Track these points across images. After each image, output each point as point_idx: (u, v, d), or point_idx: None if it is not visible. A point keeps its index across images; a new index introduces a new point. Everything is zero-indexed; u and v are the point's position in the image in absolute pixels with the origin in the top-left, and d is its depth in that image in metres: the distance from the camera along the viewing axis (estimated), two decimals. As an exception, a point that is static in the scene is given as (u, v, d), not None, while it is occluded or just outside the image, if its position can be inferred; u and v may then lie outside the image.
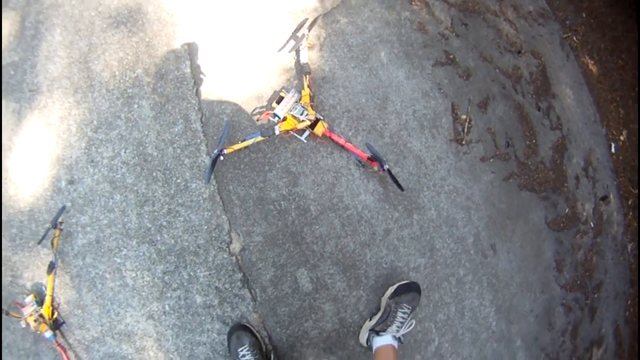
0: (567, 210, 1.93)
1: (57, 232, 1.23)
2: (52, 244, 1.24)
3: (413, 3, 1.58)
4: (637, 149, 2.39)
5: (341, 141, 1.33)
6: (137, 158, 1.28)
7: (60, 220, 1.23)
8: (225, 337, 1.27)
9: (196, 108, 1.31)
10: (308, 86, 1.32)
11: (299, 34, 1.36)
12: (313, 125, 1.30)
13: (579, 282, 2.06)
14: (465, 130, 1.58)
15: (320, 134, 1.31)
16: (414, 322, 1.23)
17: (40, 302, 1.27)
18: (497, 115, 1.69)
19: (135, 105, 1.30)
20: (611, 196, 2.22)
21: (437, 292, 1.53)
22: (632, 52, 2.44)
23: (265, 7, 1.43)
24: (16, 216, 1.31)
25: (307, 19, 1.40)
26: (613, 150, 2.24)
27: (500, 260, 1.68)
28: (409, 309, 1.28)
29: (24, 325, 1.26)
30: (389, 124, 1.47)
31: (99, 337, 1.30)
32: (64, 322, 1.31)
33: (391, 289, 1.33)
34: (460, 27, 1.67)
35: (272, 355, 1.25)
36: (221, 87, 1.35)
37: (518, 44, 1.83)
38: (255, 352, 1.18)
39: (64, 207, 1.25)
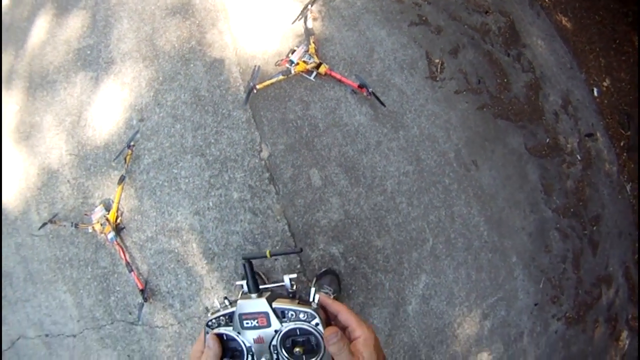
0: (547, 140, 2.24)
1: (129, 151, 1.79)
2: (125, 160, 1.79)
3: (391, -18, 2.13)
4: (626, 94, 2.63)
5: (338, 76, 1.85)
6: (193, 98, 1.88)
7: (132, 143, 1.80)
8: (254, 226, 1.75)
9: (235, 62, 1.91)
10: (313, 42, 1.88)
11: (306, 10, 1.94)
12: (318, 67, 1.83)
13: (572, 209, 2.29)
14: (439, 70, 2.03)
15: (323, 73, 1.84)
16: None
17: (107, 209, 1.78)
18: (467, 60, 2.13)
19: (192, 65, 1.92)
20: (598, 135, 2.46)
21: (427, 195, 1.91)
22: (609, 9, 2.75)
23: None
24: (92, 151, 1.90)
25: (309, 1, 1.99)
26: (595, 94, 2.52)
27: (483, 175, 2.03)
28: (330, 289, 1.63)
29: (90, 231, 1.77)
30: (375, 67, 1.97)
31: (153, 237, 1.82)
32: (124, 228, 1.80)
33: (314, 280, 1.70)
34: (431, -3, 2.17)
35: None
36: (252, 48, 1.95)
37: (485, 5, 2.28)
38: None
39: (137, 131, 1.83)
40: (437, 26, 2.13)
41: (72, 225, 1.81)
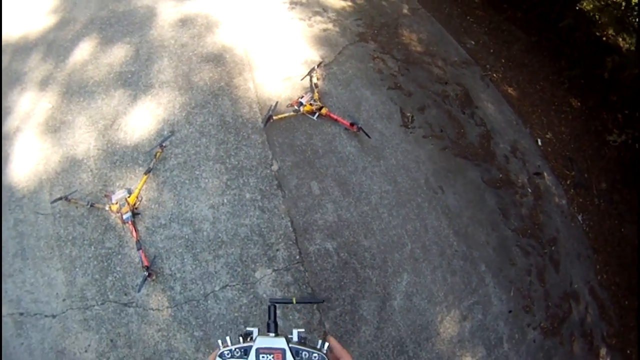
0: (500, 176, 2.85)
1: (160, 150, 2.31)
2: (155, 156, 2.29)
3: (374, 60, 3.02)
4: (567, 143, 3.32)
5: (335, 117, 2.56)
6: (219, 122, 2.53)
7: (164, 144, 2.32)
8: (262, 221, 2.25)
9: (255, 102, 2.63)
10: (317, 92, 2.65)
11: (312, 71, 2.76)
12: (320, 109, 2.56)
13: (529, 231, 2.79)
14: (410, 121, 2.76)
15: (324, 114, 2.56)
16: None
17: (130, 193, 2.16)
18: (431, 115, 2.88)
19: (220, 99, 2.63)
20: (545, 174, 3.09)
21: (403, 209, 2.45)
22: (548, 80, 3.63)
23: (293, 59, 2.89)
24: (121, 150, 2.37)
25: (315, 65, 2.83)
26: (539, 143, 3.22)
27: (449, 197, 2.59)
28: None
29: (107, 209, 2.11)
30: (362, 115, 2.70)
31: (166, 224, 2.20)
32: (139, 213, 2.16)
33: None
34: (404, 71, 3.03)
35: None
36: (269, 94, 2.68)
37: (445, 78, 3.14)
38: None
39: (172, 133, 2.40)
40: (409, 91, 2.93)
41: (88, 204, 2.07)
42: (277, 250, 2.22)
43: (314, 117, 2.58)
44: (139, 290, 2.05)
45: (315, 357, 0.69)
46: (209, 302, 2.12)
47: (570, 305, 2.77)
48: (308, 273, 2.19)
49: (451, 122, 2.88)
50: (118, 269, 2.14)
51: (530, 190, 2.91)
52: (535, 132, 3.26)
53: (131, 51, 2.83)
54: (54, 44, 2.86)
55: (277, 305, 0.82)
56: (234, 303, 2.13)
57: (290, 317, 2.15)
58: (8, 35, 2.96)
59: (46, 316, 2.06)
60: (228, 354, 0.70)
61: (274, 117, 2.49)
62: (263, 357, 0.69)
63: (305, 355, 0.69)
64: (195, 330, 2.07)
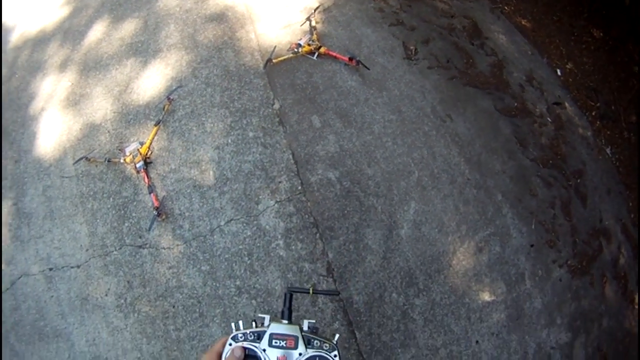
0: (515, 104, 2.62)
1: (168, 102, 2.33)
2: (164, 109, 2.32)
3: (374, 0, 2.86)
4: (591, 73, 3.00)
5: (334, 54, 2.45)
6: (223, 72, 2.49)
7: (172, 97, 2.34)
8: (264, 156, 2.19)
9: (257, 50, 2.57)
10: (316, 34, 2.54)
11: (311, 16, 2.66)
12: (319, 49, 2.46)
13: (551, 161, 2.55)
14: (413, 53, 2.59)
15: (323, 52, 2.45)
16: None
17: (141, 144, 2.19)
18: (437, 47, 2.69)
19: (224, 52, 2.59)
20: (566, 105, 2.81)
21: (409, 137, 2.30)
22: (565, 11, 3.29)
23: (293, 8, 2.80)
24: (135, 109, 2.41)
25: (314, 9, 2.72)
26: (559, 73, 2.94)
27: (458, 125, 2.41)
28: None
29: (122, 161, 2.16)
30: (363, 51, 2.56)
31: (175, 168, 2.22)
32: (151, 162, 2.20)
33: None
34: (406, 7, 2.86)
35: None
36: (270, 40, 2.62)
37: (451, 12, 2.92)
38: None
39: (179, 86, 2.43)
40: (411, 25, 2.76)
41: (105, 160, 2.16)
42: (280, 182, 2.15)
43: (314, 57, 2.48)
44: (149, 229, 2.09)
45: (326, 347, 0.70)
46: (215, 236, 2.11)
47: (601, 243, 2.51)
48: (310, 203, 2.11)
49: (459, 52, 2.68)
50: (134, 214, 2.19)
51: (550, 120, 2.66)
52: (554, 62, 2.97)
53: (140, 24, 2.89)
54: (70, 31, 3.00)
55: (293, 294, 0.83)
56: (238, 236, 2.10)
57: (293, 247, 2.07)
58: (27, 31, 3.13)
59: (72, 267, 2.15)
60: (241, 337, 0.72)
61: (274, 60, 2.42)
62: (276, 342, 0.71)
63: (316, 344, 0.71)
64: (203, 265, 2.07)
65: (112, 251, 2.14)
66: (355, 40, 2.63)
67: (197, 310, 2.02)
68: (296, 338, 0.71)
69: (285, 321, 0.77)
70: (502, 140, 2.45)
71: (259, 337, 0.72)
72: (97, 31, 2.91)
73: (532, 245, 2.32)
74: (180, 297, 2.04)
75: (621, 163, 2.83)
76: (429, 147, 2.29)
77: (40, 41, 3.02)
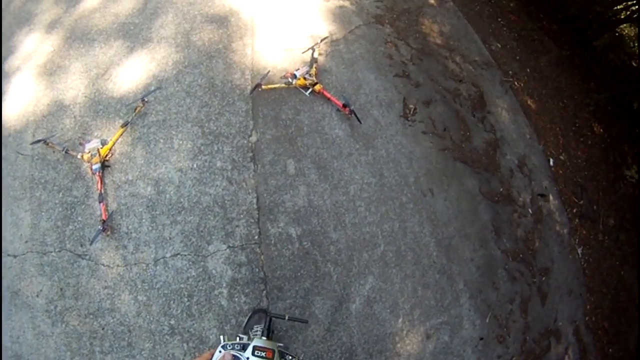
0: (501, 190, 2.43)
1: (141, 104, 2.06)
2: (135, 110, 2.05)
3: (386, 44, 2.60)
4: (582, 169, 2.85)
5: (329, 95, 2.19)
6: (208, 84, 2.22)
7: (147, 99, 2.07)
8: (227, 193, 1.93)
9: (250, 69, 2.29)
10: (315, 67, 2.27)
11: (315, 45, 2.38)
12: (314, 85, 2.19)
13: (521, 255, 2.38)
14: (411, 113, 2.36)
15: (317, 90, 2.19)
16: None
17: (103, 144, 1.94)
18: (437, 111, 2.46)
19: (214, 61, 2.31)
20: (551, 197, 2.64)
21: (384, 206, 2.08)
22: (573, 99, 3.14)
23: (300, 31, 2.51)
24: (107, 100, 2.14)
25: (320, 39, 2.44)
26: (552, 163, 2.77)
27: (438, 202, 2.20)
28: (258, 327, 1.59)
29: (79, 157, 1.90)
30: (360, 98, 2.32)
31: (132, 180, 1.97)
32: (109, 166, 1.95)
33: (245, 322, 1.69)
34: (417, 60, 2.62)
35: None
36: (266, 62, 2.35)
37: (461, 76, 2.70)
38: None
39: (157, 89, 2.12)
40: (417, 81, 2.52)
41: (63, 150, 1.92)
42: (237, 226, 1.90)
43: (306, 93, 2.22)
44: (91, 243, 1.87)
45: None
46: (157, 267, 1.86)
47: (550, 343, 2.38)
48: (264, 256, 1.87)
49: (457, 122, 2.46)
50: (80, 219, 1.95)
51: (530, 212, 2.49)
52: (549, 150, 2.80)
53: (139, 3, 2.57)
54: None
55: (272, 317, 1.07)
56: (182, 273, 1.85)
57: (236, 299, 1.84)
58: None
59: (8, 255, 1.92)
60: (230, 347, 0.86)
61: (263, 86, 2.15)
62: (257, 352, 0.86)
63: (288, 358, 0.94)
64: (140, 294, 1.83)
65: (51, 252, 1.91)
66: (355, 84, 2.37)
67: (126, 339, 1.81)
68: (274, 351, 0.87)
69: (264, 338, 0.96)
70: (479, 227, 2.26)
71: (243, 348, 0.88)
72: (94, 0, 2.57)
73: (481, 339, 2.16)
74: (112, 320, 1.82)
75: (589, 265, 2.70)
76: (402, 221, 2.08)
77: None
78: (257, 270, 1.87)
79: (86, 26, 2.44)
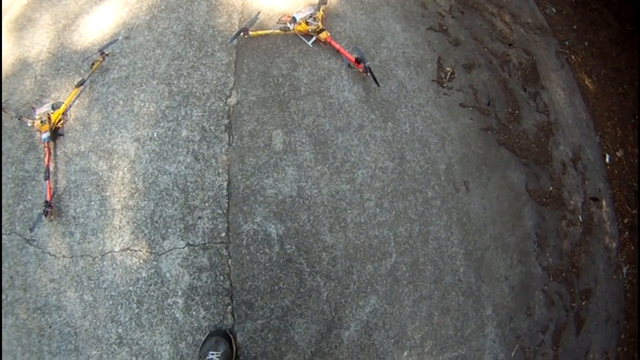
0: (551, 188, 1.67)
1: (100, 58, 1.41)
2: (92, 66, 1.41)
3: (419, -13, 1.72)
4: (637, 171, 2.05)
5: (338, 47, 1.39)
6: (184, 31, 1.47)
7: (107, 51, 1.38)
8: (190, 172, 1.21)
9: (239, 11, 1.51)
10: (323, 10, 1.45)
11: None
12: (319, 32, 1.38)
13: (564, 274, 1.66)
14: (447, 77, 1.56)
15: (323, 39, 1.40)
16: None
17: (55, 108, 1.37)
18: (480, 78, 1.65)
19: (196, 3, 1.53)
20: (604, 203, 1.87)
21: (402, 201, 1.35)
22: (634, 85, 2.26)
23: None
24: (69, 54, 1.51)
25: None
26: (607, 160, 1.96)
27: (473, 200, 1.46)
28: (216, 354, 1.12)
29: (29, 125, 1.37)
30: (380, 54, 1.51)
31: (84, 152, 1.37)
32: (62, 135, 1.38)
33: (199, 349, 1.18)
34: (457, 13, 1.76)
35: None
36: (261, 2, 1.54)
37: (511, 38, 1.85)
38: None
39: (116, 40, 1.41)
40: (456, 39, 1.68)
41: (16, 116, 1.40)
42: (199, 217, 1.23)
43: (308, 42, 1.43)
44: (32, 229, 1.32)
45: None
46: (104, 263, 1.28)
47: (581, 381, 1.70)
48: (232, 261, 1.20)
49: (505, 96, 1.65)
50: (29, 197, 1.39)
51: (581, 219, 1.73)
52: (606, 143, 1.98)
53: None
54: None
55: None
56: (130, 273, 1.24)
57: (194, 312, 1.17)
58: None
59: None
60: None
61: (251, 32, 1.36)
62: None
63: None
64: (86, 293, 1.30)
65: (3, 234, 1.37)
66: (376, 35, 1.55)
67: (73, 342, 1.30)
68: None
69: None
70: (520, 235, 1.53)
71: None
72: None
73: (504, 376, 1.49)
74: (58, 319, 1.31)
75: (632, 287, 1.97)
76: (424, 223, 1.35)
77: None
78: (221, 278, 1.19)
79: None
